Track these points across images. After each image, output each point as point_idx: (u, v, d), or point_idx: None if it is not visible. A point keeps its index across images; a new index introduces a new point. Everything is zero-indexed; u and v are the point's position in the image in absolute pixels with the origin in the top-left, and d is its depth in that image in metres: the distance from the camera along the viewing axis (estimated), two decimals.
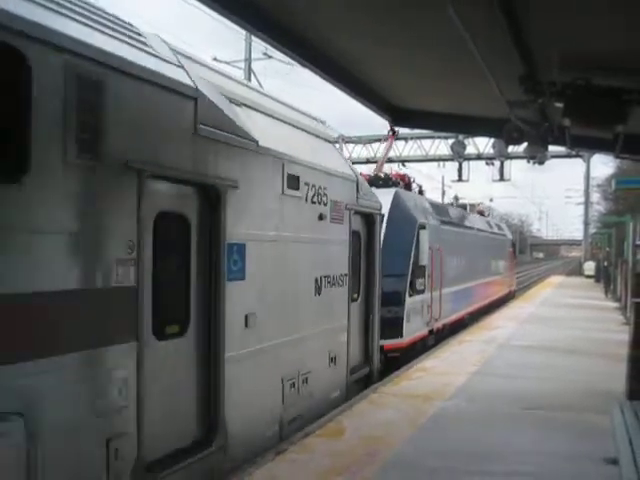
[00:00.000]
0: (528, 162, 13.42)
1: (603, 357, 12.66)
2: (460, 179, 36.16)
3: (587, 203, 57.12)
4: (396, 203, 14.30)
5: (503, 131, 8.85)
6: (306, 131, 8.57)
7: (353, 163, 13.94)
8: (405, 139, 34.45)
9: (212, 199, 5.90)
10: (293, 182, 7.43)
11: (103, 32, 4.77)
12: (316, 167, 8.13)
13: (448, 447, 6.93)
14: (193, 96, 5.58)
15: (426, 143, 36.12)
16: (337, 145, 10.32)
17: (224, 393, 5.94)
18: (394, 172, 17.58)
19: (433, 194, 27.20)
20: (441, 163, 38.19)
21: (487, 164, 35.67)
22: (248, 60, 28.59)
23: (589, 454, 6.73)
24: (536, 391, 9.74)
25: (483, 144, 34.68)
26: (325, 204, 8.34)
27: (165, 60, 5.47)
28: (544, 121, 8.72)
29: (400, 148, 34.59)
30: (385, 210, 11.55)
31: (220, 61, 26.60)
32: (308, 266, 7.92)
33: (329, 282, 8.50)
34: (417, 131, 30.23)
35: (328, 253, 8.50)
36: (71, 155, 4.26)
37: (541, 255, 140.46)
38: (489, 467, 6.37)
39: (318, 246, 8.19)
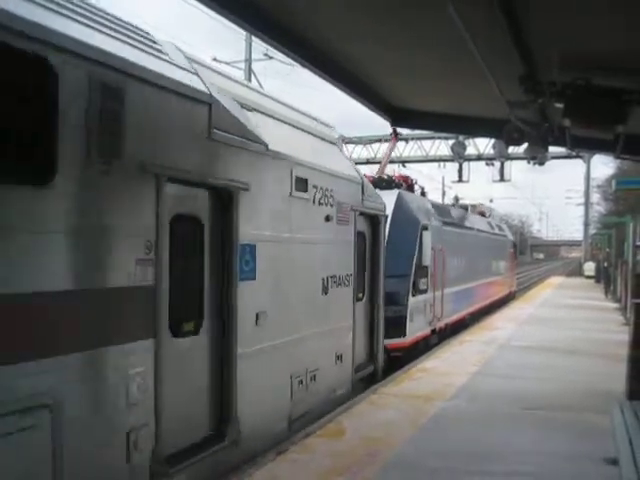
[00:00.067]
0: (528, 163, 13.43)
1: (603, 357, 12.66)
2: (460, 180, 36.19)
3: (587, 204, 57.13)
4: (399, 204, 14.45)
5: (503, 132, 8.85)
6: (313, 134, 8.76)
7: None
8: (405, 140, 34.47)
9: (224, 201, 6.08)
10: (301, 184, 7.61)
11: (122, 41, 4.96)
12: (323, 169, 8.32)
13: (448, 447, 6.93)
14: (207, 102, 5.78)
15: (426, 144, 36.18)
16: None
17: (236, 389, 6.13)
18: (397, 174, 17.74)
19: (433, 194, 27.25)
20: (441, 164, 38.23)
21: (487, 165, 35.71)
22: (248, 61, 28.60)
23: (589, 454, 6.73)
24: (536, 391, 9.74)
25: (483, 145, 34.73)
26: (331, 206, 8.53)
27: (181, 67, 5.67)
28: (544, 122, 8.72)
29: (400, 149, 34.62)
30: (388, 211, 11.66)
31: (220, 61, 26.64)
32: (315, 266, 8.11)
33: (335, 282, 8.66)
34: (417, 132, 30.28)
35: (334, 253, 8.68)
36: (95, 159, 4.45)
37: (541, 256, 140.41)
38: (489, 467, 6.37)
39: (325, 247, 8.37)
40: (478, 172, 39.77)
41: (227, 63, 27.56)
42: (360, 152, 35.60)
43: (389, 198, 12.89)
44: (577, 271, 59.54)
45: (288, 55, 7.42)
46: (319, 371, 8.10)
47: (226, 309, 6.11)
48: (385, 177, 16.40)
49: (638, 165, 27.52)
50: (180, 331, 5.58)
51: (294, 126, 8.15)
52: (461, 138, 32.54)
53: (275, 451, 6.56)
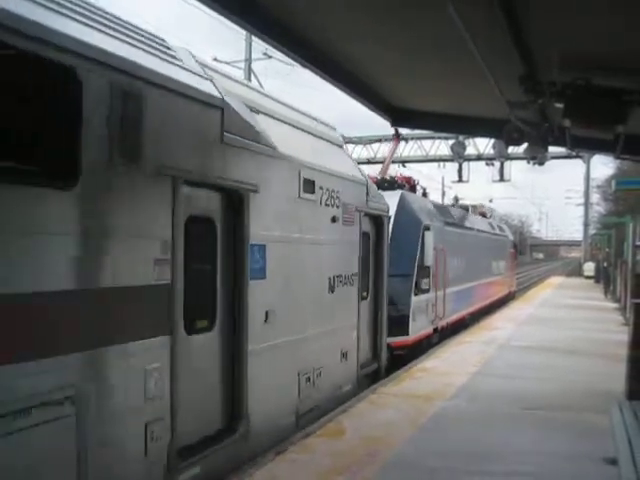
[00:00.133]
0: (528, 163, 13.44)
1: (603, 357, 12.67)
2: (460, 180, 36.16)
3: (587, 204, 57.12)
4: (402, 205, 14.62)
5: (503, 132, 8.86)
6: (318, 136, 8.93)
7: None
8: (405, 139, 34.42)
9: (236, 203, 6.26)
10: (309, 186, 7.79)
11: (140, 48, 5.15)
12: (329, 171, 8.48)
13: (448, 447, 6.94)
14: (220, 106, 5.96)
15: (426, 143, 36.15)
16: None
17: (247, 385, 6.32)
18: (399, 174, 17.86)
19: (433, 194, 27.21)
20: (441, 164, 38.21)
21: (487, 165, 35.68)
22: (248, 60, 28.57)
23: (589, 454, 6.73)
24: (536, 391, 9.74)
25: (483, 145, 34.70)
26: (337, 207, 8.70)
27: (194, 73, 5.85)
28: (544, 122, 8.72)
29: (400, 148, 34.53)
30: (391, 212, 11.79)
31: (220, 61, 26.60)
32: (322, 266, 8.29)
33: (341, 281, 8.86)
34: (417, 131, 30.26)
35: (340, 253, 8.88)
36: (115, 163, 4.64)
37: (541, 256, 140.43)
38: (489, 467, 6.37)
39: (331, 247, 8.54)
40: (478, 172, 39.85)
41: (227, 63, 27.54)
42: (360, 152, 35.58)
43: (392, 199, 13.00)
44: (577, 271, 59.53)
45: (288, 55, 7.43)
46: (325, 368, 8.28)
47: (237, 307, 6.29)
48: (388, 178, 16.56)
49: (638, 165, 27.52)
50: (194, 329, 5.75)
51: (301, 129, 8.33)
52: (461, 138, 32.53)
53: (275, 451, 6.56)
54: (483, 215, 27.51)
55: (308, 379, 7.84)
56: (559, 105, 7.15)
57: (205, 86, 5.87)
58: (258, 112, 6.99)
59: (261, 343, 6.65)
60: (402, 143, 34.11)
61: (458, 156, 33.88)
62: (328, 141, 9.31)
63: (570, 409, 8.64)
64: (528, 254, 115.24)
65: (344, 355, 9.06)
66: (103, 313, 4.56)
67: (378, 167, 22.12)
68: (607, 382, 9.91)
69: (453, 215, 20.01)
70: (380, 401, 8.86)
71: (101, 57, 4.52)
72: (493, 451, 6.84)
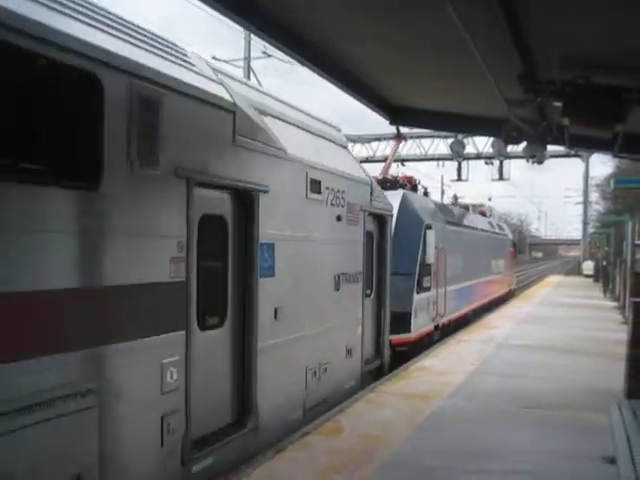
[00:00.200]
0: (527, 161, 13.44)
1: (601, 356, 12.67)
2: (459, 178, 36.12)
3: (586, 203, 57.16)
4: (404, 205, 14.81)
5: (502, 130, 8.84)
6: (324, 137, 9.13)
7: None
8: (404, 138, 34.40)
9: (246, 203, 6.48)
10: (315, 186, 8.01)
11: (156, 54, 5.34)
12: (335, 172, 8.70)
13: (446, 446, 6.93)
14: (231, 110, 6.18)
15: (425, 142, 36.13)
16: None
17: (256, 380, 6.54)
18: (401, 174, 18.05)
19: (432, 193, 27.21)
20: (440, 162, 38.18)
21: (486, 163, 35.63)
22: (247, 59, 28.53)
23: (587, 453, 6.72)
24: (534, 390, 9.73)
25: (482, 143, 34.67)
26: (343, 206, 8.93)
27: (207, 78, 6.05)
28: (543, 120, 8.71)
29: (399, 147, 34.57)
30: (394, 211, 11.97)
31: (219, 60, 26.56)
32: (328, 264, 8.52)
33: (346, 279, 9.07)
34: (416, 130, 30.23)
35: (345, 252, 9.11)
36: (134, 165, 4.83)
37: (540, 254, 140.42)
38: (487, 466, 6.37)
39: (336, 245, 8.76)
40: (477, 171, 39.91)
41: (226, 61, 27.46)
42: (359, 150, 35.55)
43: (394, 198, 13.20)
44: (576, 270, 59.58)
45: (287, 54, 7.43)
46: (331, 364, 8.50)
47: (248, 304, 6.50)
48: (390, 178, 16.77)
49: (636, 164, 27.52)
50: (206, 325, 5.97)
51: (307, 130, 8.52)
52: (460, 137, 32.49)
53: (274, 449, 6.56)
54: (483, 214, 27.70)
55: (315, 374, 8.06)
56: (558, 104, 7.14)
57: (218, 90, 6.08)
58: (266, 114, 7.18)
59: (270, 339, 6.85)
60: (402, 142, 34.14)
61: (457, 155, 33.85)
62: (333, 142, 9.50)
63: (569, 408, 8.63)
64: (527, 253, 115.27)
65: (349, 351, 9.28)
66: (125, 309, 4.77)
67: (377, 166, 22.17)
68: (606, 381, 9.92)
69: (454, 214, 20.23)
70: (378, 400, 8.86)
71: (122, 64, 4.73)
72: (491, 450, 6.83)
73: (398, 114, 10.35)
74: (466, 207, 25.25)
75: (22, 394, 3.92)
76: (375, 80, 8.82)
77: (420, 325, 14.58)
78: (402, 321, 13.26)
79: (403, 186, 16.23)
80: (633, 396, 8.65)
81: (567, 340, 14.95)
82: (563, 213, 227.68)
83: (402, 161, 33.30)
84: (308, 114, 8.86)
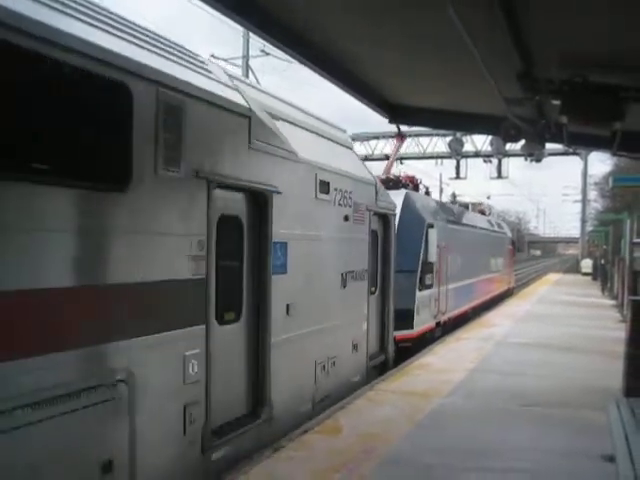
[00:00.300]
0: (526, 160, 13.48)
1: (600, 354, 12.69)
2: (458, 176, 36.15)
3: (584, 201, 57.14)
4: (406, 204, 15.10)
5: (500, 128, 8.84)
6: (331, 139, 9.44)
7: None
8: (405, 137, 34.43)
9: (260, 203, 6.79)
10: (324, 187, 8.35)
11: (178, 63, 5.64)
12: (342, 173, 9.03)
13: (445, 444, 6.94)
14: (247, 115, 6.51)
15: (424, 140, 36.17)
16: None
17: (270, 373, 6.84)
18: (403, 174, 18.32)
19: (431, 192, 27.20)
20: (439, 160, 38.20)
21: (485, 161, 35.68)
22: (246, 57, 28.51)
23: (586, 451, 6.74)
24: (533, 388, 9.75)
25: (481, 141, 34.71)
26: (349, 206, 9.26)
27: (224, 84, 6.36)
28: (541, 118, 8.71)
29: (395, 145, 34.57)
30: (397, 210, 12.20)
31: (218, 58, 26.53)
32: (335, 262, 8.85)
33: (352, 277, 9.40)
34: (415, 128, 30.22)
35: (351, 250, 9.43)
36: (160, 168, 5.14)
37: (538, 253, 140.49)
38: (486, 464, 6.38)
39: (343, 244, 9.08)
40: (475, 169, 39.75)
41: (225, 60, 27.42)
42: (358, 149, 35.52)
43: (397, 198, 13.41)
44: (574, 268, 59.58)
45: (288, 53, 7.41)
46: (338, 358, 8.84)
47: (262, 300, 6.80)
48: (392, 177, 17.03)
49: (635, 162, 27.51)
50: (223, 320, 6.25)
51: (315, 132, 8.82)
52: (458, 135, 32.51)
53: (272, 448, 6.57)
54: (482, 212, 27.87)
55: (323, 368, 8.39)
56: (556, 102, 7.14)
57: (234, 96, 6.38)
58: (278, 118, 7.47)
59: (282, 334, 7.15)
60: (396, 139, 34.15)
61: (456, 153, 33.88)
62: (340, 144, 9.79)
63: (567, 406, 8.65)
64: (526, 251, 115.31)
65: (355, 347, 9.60)
66: (152, 304, 5.07)
67: (376, 164, 22.20)
68: (604, 379, 9.93)
69: (455, 213, 20.50)
70: (377, 398, 8.87)
71: (149, 74, 5.02)
72: (490, 448, 6.85)
73: (397, 112, 10.34)
74: (466, 206, 25.49)
75: (62, 383, 4.22)
76: (375, 80, 8.81)
77: (422, 322, 14.89)
78: (405, 318, 13.53)
79: (405, 186, 16.52)
80: (631, 394, 8.64)
81: (566, 338, 14.97)
82: (561, 211, 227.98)
83: (401, 159, 33.31)
84: (315, 117, 9.14)
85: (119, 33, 4.96)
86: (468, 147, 34.51)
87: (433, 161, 38.61)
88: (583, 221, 58.26)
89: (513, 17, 5.51)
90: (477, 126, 11.50)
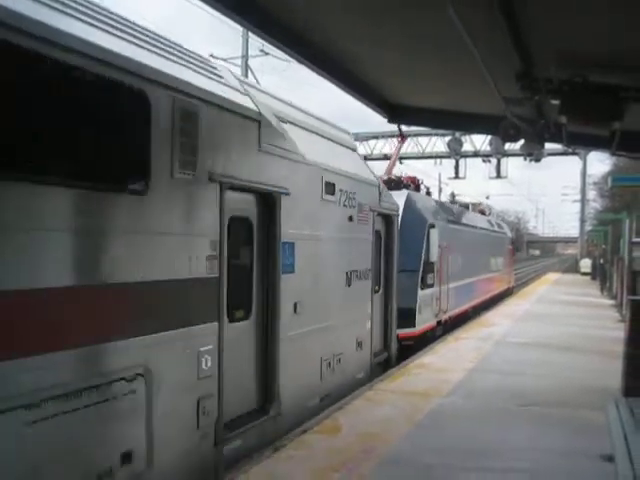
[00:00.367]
0: (525, 159, 13.47)
1: (599, 354, 12.70)
2: (457, 176, 36.17)
3: (583, 200, 57.14)
4: (408, 204, 15.33)
5: (500, 128, 8.84)
6: (336, 141, 9.64)
7: None
8: (406, 137, 34.41)
9: (269, 204, 6.98)
10: (330, 188, 8.57)
11: (191, 69, 5.83)
12: (347, 175, 9.24)
13: (445, 444, 6.95)
14: (257, 119, 6.71)
15: (423, 140, 36.19)
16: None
17: (279, 369, 7.05)
18: (404, 175, 18.52)
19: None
20: (438, 160, 38.22)
21: (484, 161, 35.70)
22: (245, 57, 28.51)
23: (585, 450, 6.75)
24: (532, 388, 9.76)
25: (480, 141, 34.73)
26: (354, 207, 9.46)
27: (235, 89, 6.55)
28: (540, 118, 8.71)
29: (396, 144, 34.57)
30: (399, 211, 12.34)
31: (217, 58, 26.52)
32: (340, 262, 9.05)
33: (357, 276, 9.62)
34: (414, 128, 30.24)
35: (356, 250, 9.64)
36: (176, 171, 5.35)
37: (537, 252, 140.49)
38: (485, 463, 6.39)
39: (348, 244, 9.28)
40: (474, 169, 39.78)
41: (224, 59, 27.41)
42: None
43: (399, 198, 13.55)
44: (573, 268, 59.60)
45: (288, 53, 7.40)
46: (343, 355, 9.06)
47: (271, 299, 7.01)
48: (394, 178, 17.25)
49: (634, 162, 27.54)
50: (234, 317, 6.46)
51: (321, 135, 9.01)
52: (457, 135, 32.53)
53: (272, 447, 6.57)
54: (482, 212, 27.99)
55: (329, 365, 8.60)
56: (555, 102, 7.14)
57: (244, 101, 6.59)
58: (285, 121, 7.67)
59: (290, 332, 7.33)
60: (397, 139, 34.15)
61: (455, 153, 33.90)
62: (344, 145, 9.98)
63: (566, 405, 8.66)
64: (525, 251, 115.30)
65: (359, 344, 9.81)
66: (170, 301, 5.30)
67: (375, 163, 22.24)
68: (603, 379, 9.94)
69: (455, 213, 20.70)
70: (376, 398, 8.87)
71: (165, 80, 5.21)
72: (489, 448, 6.85)
73: (396, 112, 10.35)
74: (466, 206, 25.63)
75: (85, 377, 4.45)
76: (375, 79, 8.81)
77: (424, 320, 15.13)
78: (407, 316, 13.74)
79: (407, 186, 16.74)
80: (630, 394, 8.65)
81: (564, 338, 14.98)
82: (561, 211, 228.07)
83: (400, 159, 33.29)
84: (320, 119, 9.34)
85: (135, 40, 5.14)
86: (467, 147, 34.55)
87: (432, 161, 38.65)
88: (582, 221, 58.26)
89: (513, 17, 5.51)
90: (476, 126, 11.51)
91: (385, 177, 16.79)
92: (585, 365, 11.70)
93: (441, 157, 37.29)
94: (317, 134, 8.84)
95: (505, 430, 7.53)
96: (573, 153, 34.78)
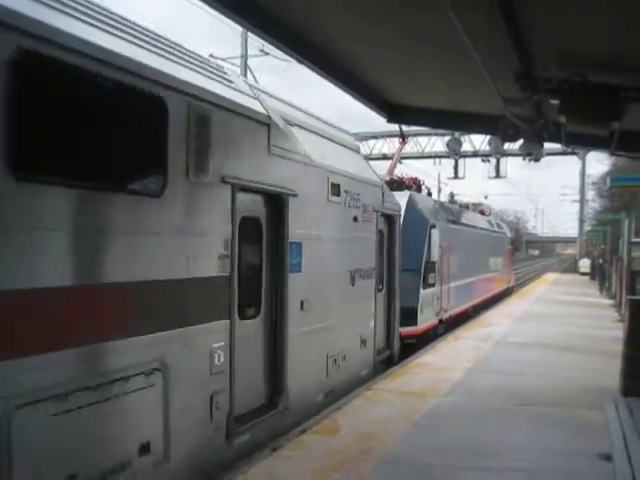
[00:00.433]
0: (524, 159, 13.47)
1: (598, 354, 12.70)
2: (456, 176, 36.18)
3: (582, 200, 57.16)
4: (410, 205, 15.52)
5: (499, 128, 8.84)
6: (340, 143, 9.83)
7: None
8: (406, 137, 34.41)
9: (278, 206, 7.17)
10: (335, 190, 8.76)
11: (203, 74, 5.99)
12: (351, 176, 9.44)
13: (443, 443, 6.95)
14: (266, 122, 6.91)
15: (422, 140, 36.20)
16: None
17: (287, 365, 7.25)
18: (406, 175, 18.69)
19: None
20: (437, 160, 38.22)
21: (483, 161, 35.73)
22: (244, 57, 28.49)
23: (583, 450, 6.75)
24: (531, 387, 9.76)
25: (479, 141, 34.76)
26: (358, 208, 9.67)
27: (245, 94, 6.75)
28: (539, 118, 8.71)
29: (396, 145, 34.57)
30: (401, 211, 12.53)
31: (216, 57, 26.48)
32: (345, 261, 9.24)
33: (361, 275, 9.82)
34: (413, 128, 30.22)
35: (360, 250, 9.87)
36: (191, 174, 5.56)
37: (536, 252, 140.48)
38: (484, 463, 6.38)
39: (352, 244, 9.49)
40: (474, 168, 39.83)
41: (223, 59, 27.39)
42: None
43: (401, 199, 13.72)
44: (572, 268, 59.63)
45: (287, 53, 7.40)
46: (348, 353, 9.27)
47: (280, 297, 7.21)
48: (396, 179, 17.44)
49: (633, 162, 27.56)
50: (245, 314, 6.65)
51: (326, 137, 9.19)
52: (457, 134, 32.55)
53: (270, 447, 6.57)
54: (482, 213, 28.10)
55: (335, 361, 8.81)
56: (555, 101, 7.14)
57: (254, 105, 6.79)
58: (293, 124, 7.86)
59: (298, 329, 7.54)
60: (398, 139, 34.13)
61: (454, 152, 33.92)
62: (348, 147, 10.19)
63: (565, 405, 8.66)
64: (524, 250, 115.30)
65: (363, 342, 10.03)
66: (187, 298, 5.52)
67: (374, 164, 22.20)
68: (602, 378, 9.95)
69: (456, 213, 20.89)
70: (375, 397, 8.87)
71: (180, 86, 5.40)
72: (488, 447, 6.85)
73: (396, 112, 10.35)
74: (466, 206, 25.75)
75: (106, 371, 4.65)
76: (375, 80, 8.81)
77: (426, 319, 15.34)
78: (409, 315, 13.91)
79: (409, 187, 16.92)
80: (629, 394, 8.67)
81: (564, 338, 14.98)
82: (560, 211, 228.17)
83: (399, 159, 33.31)
84: (325, 121, 9.53)
85: (152, 48, 5.33)
86: (466, 147, 34.58)
87: (431, 160, 38.66)
88: (581, 221, 58.28)
89: (513, 18, 5.52)
90: (476, 126, 11.50)
91: (387, 178, 16.92)
92: (584, 365, 11.70)
93: (440, 157, 37.31)
94: (322, 136, 9.01)
95: (504, 430, 7.53)
96: (572, 153, 34.81)
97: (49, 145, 4.25)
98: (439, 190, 51.94)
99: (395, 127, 21.66)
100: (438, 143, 35.81)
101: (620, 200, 43.79)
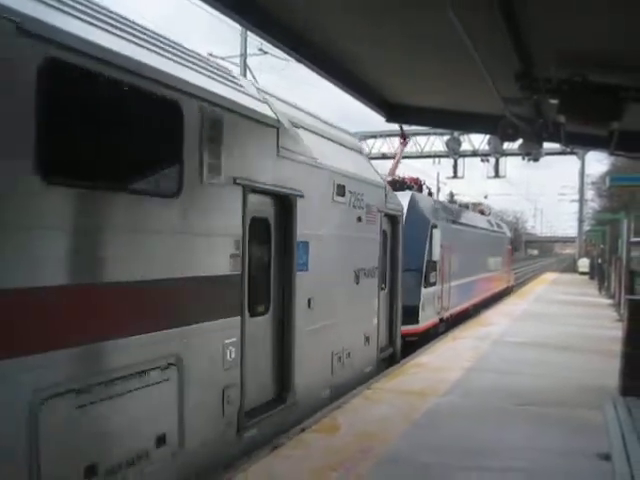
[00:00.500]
0: (523, 159, 13.47)
1: (596, 353, 12.72)
2: (455, 176, 36.20)
3: (581, 200, 57.23)
4: (412, 205, 15.69)
5: (498, 127, 8.85)
6: (345, 145, 9.98)
7: None
8: (406, 137, 34.41)
9: (286, 206, 7.36)
10: (340, 191, 8.93)
11: (214, 79, 6.14)
12: (356, 177, 9.62)
13: (442, 443, 6.96)
14: (275, 126, 7.09)
15: (421, 139, 36.22)
16: None
17: (294, 362, 7.43)
18: (407, 176, 18.86)
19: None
20: (436, 159, 38.24)
21: (482, 161, 35.74)
22: (243, 56, 28.48)
23: (582, 450, 6.76)
24: (530, 387, 9.77)
25: (478, 141, 34.78)
26: (362, 208, 9.83)
27: (255, 98, 6.93)
28: (539, 117, 8.72)
29: (395, 144, 34.60)
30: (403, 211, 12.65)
31: (216, 57, 26.46)
32: (350, 260, 9.44)
33: (365, 274, 10.01)
34: (412, 127, 30.19)
35: (364, 249, 10.05)
36: (205, 176, 5.72)
37: (535, 252, 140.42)
38: (483, 463, 6.39)
39: (357, 243, 9.68)
40: (473, 168, 39.82)
41: (222, 58, 27.36)
42: None
43: (403, 199, 13.80)
44: (571, 267, 59.64)
45: (287, 53, 7.40)
46: (352, 350, 9.45)
47: (287, 295, 7.40)
48: (398, 179, 17.62)
49: (632, 162, 27.56)
50: (255, 311, 6.84)
51: (331, 139, 9.34)
52: (456, 134, 32.56)
53: (270, 446, 6.58)
54: (482, 212, 28.18)
55: (339, 358, 8.99)
56: (554, 101, 7.15)
57: (264, 109, 6.96)
58: (299, 127, 8.00)
59: (305, 326, 7.73)
60: (397, 139, 34.14)
61: (453, 152, 33.94)
62: (352, 149, 10.36)
63: (564, 405, 8.67)
64: (523, 250, 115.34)
65: (367, 339, 10.20)
66: (202, 295, 5.72)
67: (374, 163, 22.23)
68: (601, 378, 9.96)
69: (456, 213, 21.03)
70: (374, 397, 8.88)
71: (195, 91, 5.57)
72: (487, 447, 6.86)
73: (394, 111, 10.35)
74: (466, 206, 25.86)
75: (125, 365, 4.80)
76: (373, 79, 8.82)
77: (427, 317, 15.54)
78: (411, 313, 14.10)
79: (410, 187, 17.06)
80: (628, 393, 8.69)
81: (562, 337, 14.99)
82: (559, 211, 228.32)
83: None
84: (330, 123, 9.68)
85: (165, 53, 5.47)
86: (465, 146, 34.59)
87: (430, 160, 38.68)
88: (580, 221, 58.35)
89: (513, 18, 5.52)
90: (475, 125, 11.50)
91: (389, 178, 17.02)
92: (583, 364, 11.71)
93: (440, 156, 37.33)
94: (327, 138, 9.15)
95: (503, 429, 7.54)
96: (571, 153, 34.82)
97: (80, 151, 4.48)
98: (438, 190, 51.93)
99: (394, 126, 21.72)
100: (437, 142, 35.85)
101: (619, 200, 43.83)
